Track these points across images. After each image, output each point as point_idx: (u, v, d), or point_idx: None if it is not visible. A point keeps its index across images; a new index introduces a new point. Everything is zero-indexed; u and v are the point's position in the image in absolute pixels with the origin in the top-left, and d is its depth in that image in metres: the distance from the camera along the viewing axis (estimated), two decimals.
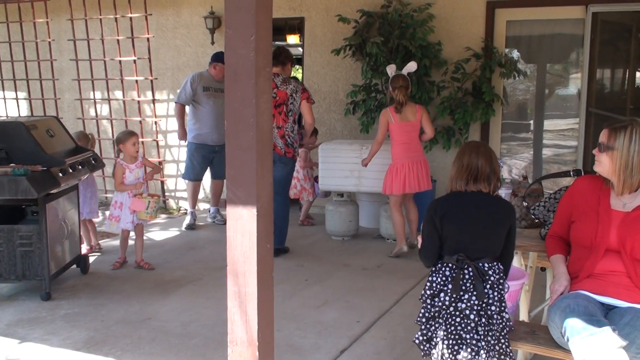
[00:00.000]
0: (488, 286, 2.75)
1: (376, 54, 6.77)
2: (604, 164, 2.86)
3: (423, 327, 2.83)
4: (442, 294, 2.77)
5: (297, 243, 6.45)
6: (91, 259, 5.76)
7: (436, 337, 2.77)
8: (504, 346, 2.76)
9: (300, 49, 8.57)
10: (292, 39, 9.89)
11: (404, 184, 5.84)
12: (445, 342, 2.73)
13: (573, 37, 7.10)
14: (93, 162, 5.48)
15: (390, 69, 6.00)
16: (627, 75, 7.32)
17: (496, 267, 2.80)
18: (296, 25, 8.44)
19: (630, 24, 7.06)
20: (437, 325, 2.79)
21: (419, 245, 2.97)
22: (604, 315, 2.70)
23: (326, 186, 6.74)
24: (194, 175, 7.20)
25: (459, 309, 2.73)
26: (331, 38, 7.63)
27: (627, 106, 7.00)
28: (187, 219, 7.25)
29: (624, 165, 2.78)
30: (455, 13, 7.18)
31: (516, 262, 3.40)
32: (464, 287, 2.74)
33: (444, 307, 2.75)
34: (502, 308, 2.76)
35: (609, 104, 6.97)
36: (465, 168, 2.87)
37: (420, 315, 2.84)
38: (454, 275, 2.77)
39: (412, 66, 5.99)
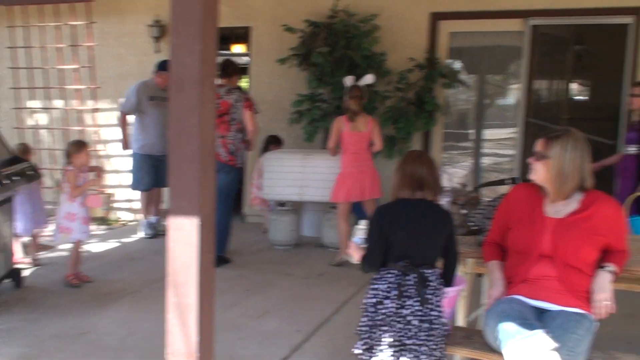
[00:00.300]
0: (430, 292, 2.81)
1: (322, 63, 6.83)
2: (539, 172, 2.95)
3: (365, 335, 2.84)
4: (386, 301, 2.80)
5: (239, 252, 6.43)
6: (26, 273, 5.60)
7: (379, 345, 2.80)
8: (443, 351, 2.82)
9: (246, 58, 8.56)
10: (238, 48, 9.87)
11: (347, 193, 5.90)
12: (389, 349, 2.76)
13: (513, 49, 7.30)
14: (30, 173, 5.33)
15: (349, 80, 6.07)
16: (563, 87, 7.56)
17: (436, 273, 2.87)
18: (242, 35, 8.43)
19: (567, 36, 7.31)
20: (380, 333, 2.81)
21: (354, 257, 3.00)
22: (537, 319, 2.77)
23: (270, 195, 6.74)
24: (143, 186, 7.08)
25: (402, 315, 2.77)
26: (278, 48, 7.64)
27: (563, 116, 7.23)
28: (144, 228, 7.14)
29: (558, 173, 2.88)
30: (399, 24, 7.30)
31: None
32: (407, 294, 2.79)
33: (388, 314, 2.78)
34: (441, 313, 2.83)
35: (546, 114, 7.18)
36: (409, 176, 2.93)
37: (362, 324, 2.86)
38: (399, 281, 2.81)
39: (368, 78, 6.08)
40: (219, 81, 5.85)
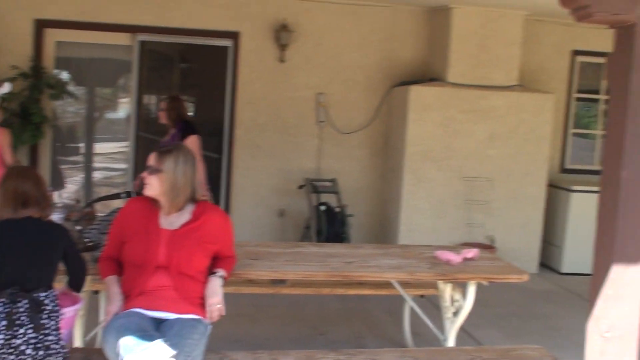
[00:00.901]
0: (45, 316, 2.64)
1: None
2: (153, 186, 3.05)
3: None
4: None
5: None
6: None
7: None
8: None
9: None
10: None
11: None
12: None
13: (122, 63, 7.34)
14: None
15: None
16: None
17: (52, 295, 2.71)
18: None
19: (174, 54, 7.64)
20: None
21: None
22: (156, 329, 2.85)
23: None
24: None
25: (14, 345, 2.56)
26: None
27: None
28: None
29: (171, 187, 3.02)
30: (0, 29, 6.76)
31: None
32: (18, 322, 2.58)
33: None
34: (59, 337, 2.69)
35: (157, 128, 7.39)
36: (12, 193, 2.73)
37: None
38: (8, 310, 2.58)
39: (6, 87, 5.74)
40: None
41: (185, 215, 3.10)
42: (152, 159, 3.07)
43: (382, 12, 7.42)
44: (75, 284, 2.93)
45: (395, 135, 7.28)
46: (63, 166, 7.52)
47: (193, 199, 3.13)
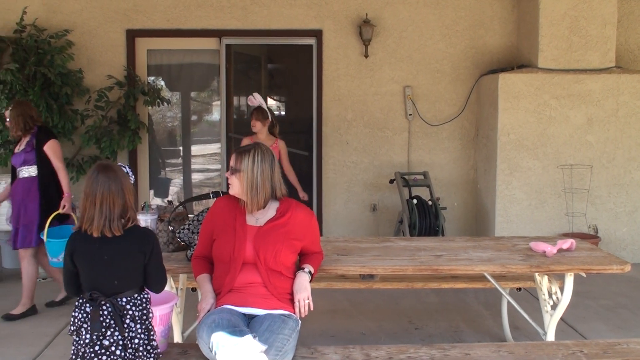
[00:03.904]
0: (128, 320, 2.70)
1: (11, 81, 6.33)
2: (234, 186, 3.11)
3: None
4: (84, 332, 2.67)
5: None
6: None
7: None
8: None
9: None
10: None
11: None
12: None
13: (211, 67, 7.54)
14: None
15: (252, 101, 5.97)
16: None
17: (138, 299, 2.75)
18: None
19: (259, 55, 7.76)
20: None
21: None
22: (247, 325, 2.90)
23: None
24: None
25: (104, 346, 2.66)
26: None
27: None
28: None
29: (250, 185, 3.06)
30: (94, 41, 7.08)
31: (167, 285, 3.47)
32: (105, 324, 2.66)
33: (86, 344, 2.65)
34: (150, 337, 2.76)
35: (246, 129, 7.54)
36: (98, 208, 2.68)
37: (72, 353, 2.71)
38: (93, 311, 2.66)
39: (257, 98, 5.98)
40: None
41: (270, 212, 3.14)
42: (232, 159, 3.13)
43: (466, 0, 7.25)
44: (153, 287, 2.88)
45: (486, 124, 7.10)
46: (162, 169, 7.79)
47: (275, 196, 3.15)
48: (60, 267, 5.19)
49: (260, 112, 5.99)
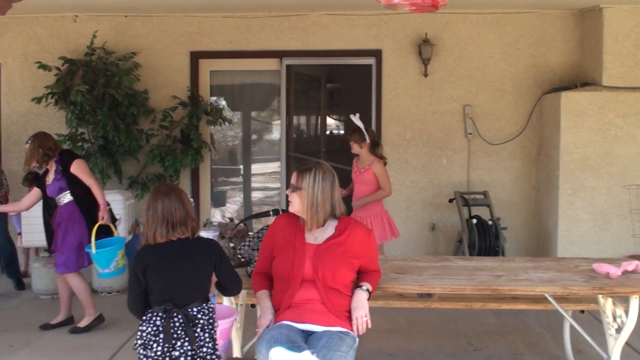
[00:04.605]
0: (199, 329, 2.81)
1: (81, 102, 6.61)
2: (295, 203, 3.16)
3: None
4: (154, 345, 2.76)
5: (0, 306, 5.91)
6: None
7: None
8: None
9: None
10: None
11: None
12: None
13: (272, 87, 7.68)
14: None
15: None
16: (319, 121, 8.10)
17: (206, 308, 2.87)
18: None
19: (319, 75, 7.86)
20: None
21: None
22: (305, 341, 2.94)
23: (31, 242, 6.30)
24: None
25: (174, 357, 2.75)
26: (31, 86, 7.24)
27: (321, 149, 7.74)
28: None
29: (310, 203, 3.11)
30: (160, 62, 7.32)
31: (226, 300, 3.54)
32: (175, 335, 2.77)
33: (157, 357, 2.74)
34: (215, 347, 2.85)
35: (305, 148, 7.65)
36: (160, 215, 2.85)
37: None
38: (164, 324, 2.78)
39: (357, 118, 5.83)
40: None
41: (329, 230, 3.18)
42: (293, 177, 3.19)
43: (527, 18, 7.18)
44: (230, 291, 3.09)
45: (548, 143, 6.98)
46: (223, 187, 7.96)
47: (334, 215, 3.19)
48: (101, 278, 5.32)
49: (356, 134, 5.79)
